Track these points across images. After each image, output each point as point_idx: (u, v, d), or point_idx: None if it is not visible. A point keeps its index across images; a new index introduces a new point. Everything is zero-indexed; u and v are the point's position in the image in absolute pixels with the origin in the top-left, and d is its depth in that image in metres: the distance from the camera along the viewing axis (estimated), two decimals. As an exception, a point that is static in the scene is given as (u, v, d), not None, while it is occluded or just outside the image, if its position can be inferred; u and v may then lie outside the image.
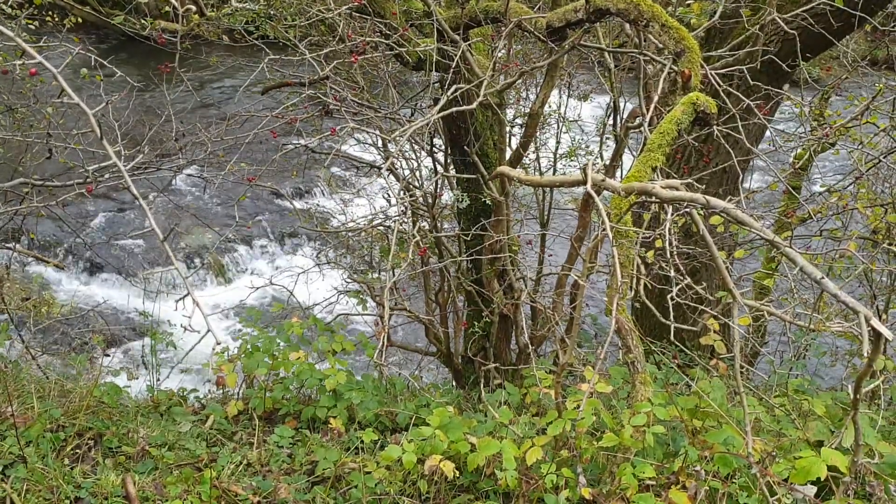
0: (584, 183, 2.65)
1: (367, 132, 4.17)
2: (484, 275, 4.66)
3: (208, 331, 1.94)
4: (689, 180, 3.24)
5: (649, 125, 3.21)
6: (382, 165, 5.25)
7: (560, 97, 5.78)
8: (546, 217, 6.20)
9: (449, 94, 3.47)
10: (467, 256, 4.27)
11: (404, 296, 6.95)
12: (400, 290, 6.09)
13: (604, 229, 2.89)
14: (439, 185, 4.40)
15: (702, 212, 2.88)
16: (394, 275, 3.91)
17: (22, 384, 3.63)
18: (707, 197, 2.43)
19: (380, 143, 6.57)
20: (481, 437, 3.05)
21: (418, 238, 3.50)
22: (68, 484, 2.90)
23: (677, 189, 2.56)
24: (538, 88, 4.58)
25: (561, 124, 6.01)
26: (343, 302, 8.81)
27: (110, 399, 3.55)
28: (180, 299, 2.23)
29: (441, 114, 3.28)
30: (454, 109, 3.30)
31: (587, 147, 6.66)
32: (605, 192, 2.62)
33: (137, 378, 4.87)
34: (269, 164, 4.65)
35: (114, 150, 6.28)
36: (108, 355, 8.85)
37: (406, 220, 4.21)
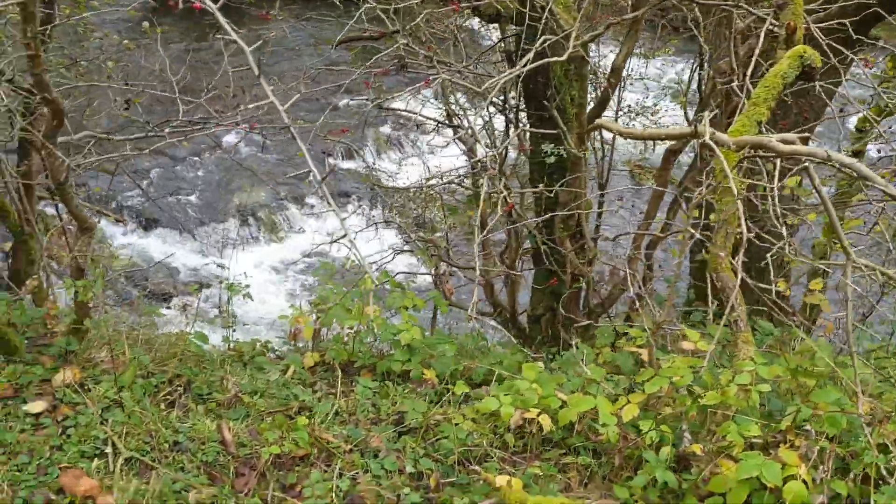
0: (694, 136, 2.57)
1: (463, 84, 4.11)
2: (557, 234, 4.61)
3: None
4: (806, 134, 3.13)
5: (749, 80, 3.11)
6: (462, 122, 5.20)
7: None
8: (606, 178, 6.11)
9: (538, 45, 3.40)
10: (543, 218, 4.22)
11: (458, 255, 6.95)
12: (453, 249, 6.07)
13: (710, 185, 2.82)
14: (510, 142, 4.34)
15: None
16: (481, 233, 3.85)
17: (107, 333, 3.69)
18: (829, 151, 2.35)
19: (441, 99, 6.51)
20: (571, 394, 3.04)
21: (505, 194, 3.45)
22: (166, 428, 2.96)
23: (794, 143, 2.47)
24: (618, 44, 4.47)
25: (626, 81, 5.87)
26: (398, 262, 8.83)
27: (196, 348, 3.60)
28: (336, 240, 2.21)
29: (534, 64, 3.20)
30: (545, 61, 3.23)
31: (654, 105, 6.51)
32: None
33: (215, 326, 4.93)
34: (365, 112, 4.60)
35: (181, 106, 6.23)
36: (170, 307, 9.01)
37: (486, 176, 4.16)
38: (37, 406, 3.06)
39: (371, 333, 4.24)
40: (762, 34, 3.11)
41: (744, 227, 2.60)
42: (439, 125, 6.15)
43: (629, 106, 6.02)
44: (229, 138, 12.80)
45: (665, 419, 2.74)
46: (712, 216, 4.13)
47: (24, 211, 5.20)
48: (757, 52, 3.11)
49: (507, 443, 3.05)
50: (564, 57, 3.24)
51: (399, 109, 6.15)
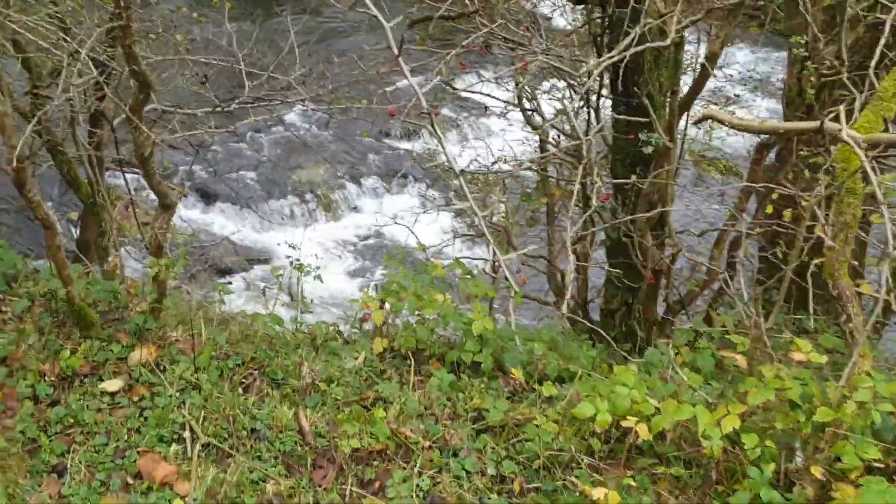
0: (820, 131, 2.37)
1: (560, 67, 3.93)
2: (637, 226, 4.42)
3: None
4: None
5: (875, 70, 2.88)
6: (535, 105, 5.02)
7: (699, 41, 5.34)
8: (675, 170, 5.85)
9: (639, 28, 3.21)
10: (629, 217, 4.04)
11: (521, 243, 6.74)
12: (513, 237, 5.88)
13: (829, 184, 2.62)
14: (598, 130, 4.15)
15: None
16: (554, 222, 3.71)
17: (182, 311, 3.64)
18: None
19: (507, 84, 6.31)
20: (662, 400, 2.88)
21: (600, 185, 3.29)
22: (244, 414, 2.89)
23: (935, 143, 2.26)
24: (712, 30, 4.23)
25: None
26: (458, 247, 8.69)
27: (271, 330, 3.53)
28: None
29: (634, 49, 3.02)
30: (649, 45, 3.04)
31: (736, 96, 6.23)
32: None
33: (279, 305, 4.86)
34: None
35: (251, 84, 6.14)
36: (230, 282, 9.04)
37: (581, 165, 3.99)
38: (113, 385, 3.02)
39: (442, 322, 4.12)
40: (889, 23, 2.88)
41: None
42: (510, 108, 5.95)
43: (711, 93, 5.76)
44: (290, 116, 12.79)
45: (769, 433, 2.56)
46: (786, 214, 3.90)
47: (95, 182, 5.20)
48: (882, 41, 2.88)
49: (592, 447, 2.91)
50: (668, 41, 3.05)
51: (471, 91, 5.98)
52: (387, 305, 4.33)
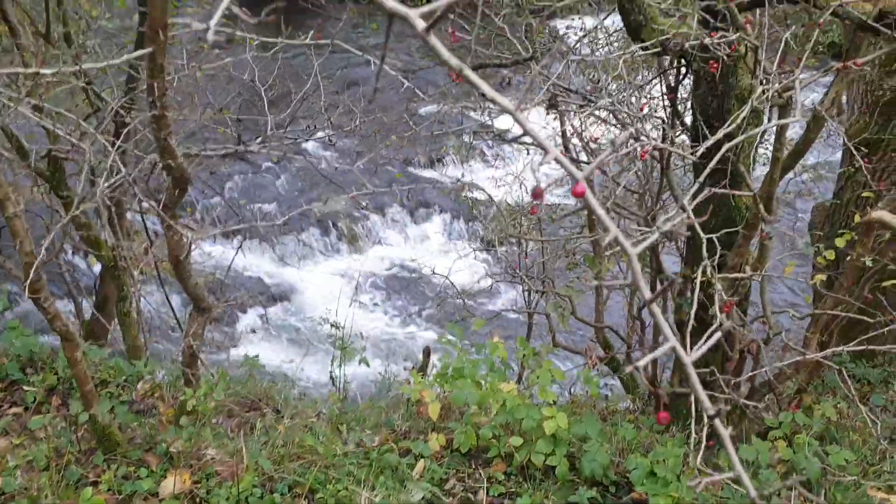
0: None
1: (657, 145, 3.47)
2: (722, 301, 3.93)
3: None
4: None
5: None
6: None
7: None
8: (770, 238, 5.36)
9: (753, 99, 2.73)
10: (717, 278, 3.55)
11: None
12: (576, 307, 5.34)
13: None
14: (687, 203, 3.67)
15: None
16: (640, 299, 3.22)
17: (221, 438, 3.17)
18: None
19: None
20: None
21: (715, 279, 2.80)
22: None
23: None
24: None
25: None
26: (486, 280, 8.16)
27: (324, 448, 3.05)
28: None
29: (741, 137, 2.55)
30: (772, 124, 2.56)
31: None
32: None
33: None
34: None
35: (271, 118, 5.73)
36: (254, 331, 8.60)
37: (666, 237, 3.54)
38: (144, 528, 2.56)
39: (509, 416, 3.65)
40: None
41: None
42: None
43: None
44: (311, 146, 12.42)
45: None
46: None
47: (116, 243, 4.77)
48: None
49: None
50: (795, 117, 2.57)
51: (516, 140, 5.54)
52: (439, 388, 3.89)
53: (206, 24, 0.80)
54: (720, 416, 0.73)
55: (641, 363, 0.75)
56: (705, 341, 1.50)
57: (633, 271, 0.66)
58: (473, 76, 0.67)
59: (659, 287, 4.59)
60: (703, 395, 0.71)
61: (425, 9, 0.67)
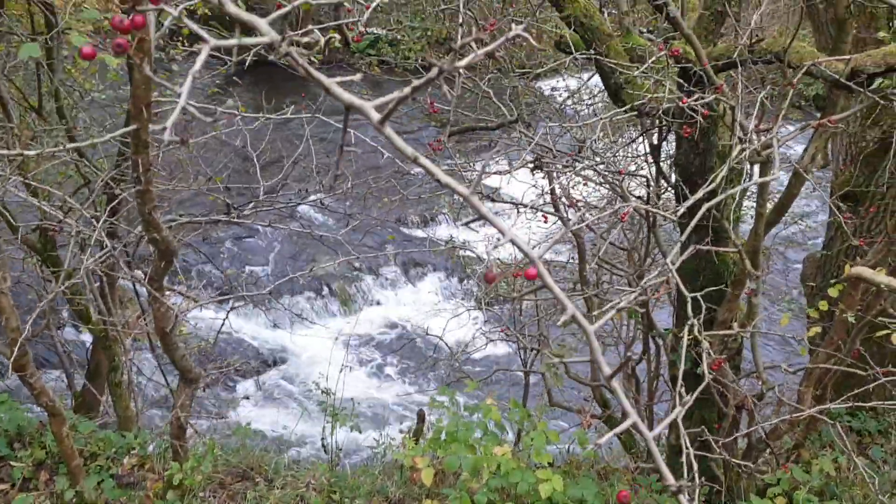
0: None
1: (644, 208, 3.50)
2: (711, 356, 3.92)
3: None
4: None
5: None
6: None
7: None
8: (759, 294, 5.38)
9: (734, 157, 2.78)
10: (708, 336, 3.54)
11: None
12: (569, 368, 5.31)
13: None
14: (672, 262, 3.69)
15: None
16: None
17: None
18: None
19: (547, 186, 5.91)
20: None
21: (708, 343, 2.80)
22: None
23: None
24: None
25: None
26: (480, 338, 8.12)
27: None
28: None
29: (724, 195, 2.59)
30: (754, 181, 2.60)
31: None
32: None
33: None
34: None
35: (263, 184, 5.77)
36: (248, 398, 8.51)
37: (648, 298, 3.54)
38: None
39: (504, 480, 3.60)
40: None
41: None
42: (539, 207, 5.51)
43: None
44: (303, 208, 12.49)
45: None
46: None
47: (107, 315, 4.76)
48: None
49: None
50: (775, 175, 2.61)
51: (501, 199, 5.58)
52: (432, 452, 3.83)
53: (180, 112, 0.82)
54: (683, 493, 0.72)
55: (602, 441, 0.75)
56: (684, 406, 1.50)
57: (592, 349, 0.66)
58: (428, 164, 0.69)
59: (651, 344, 4.58)
60: (665, 471, 0.71)
61: (379, 101, 0.69)
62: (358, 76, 0.72)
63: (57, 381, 7.99)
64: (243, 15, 0.68)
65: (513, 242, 0.69)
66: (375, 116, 0.65)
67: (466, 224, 5.65)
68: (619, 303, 2.58)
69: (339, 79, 0.72)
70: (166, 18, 0.88)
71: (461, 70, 0.67)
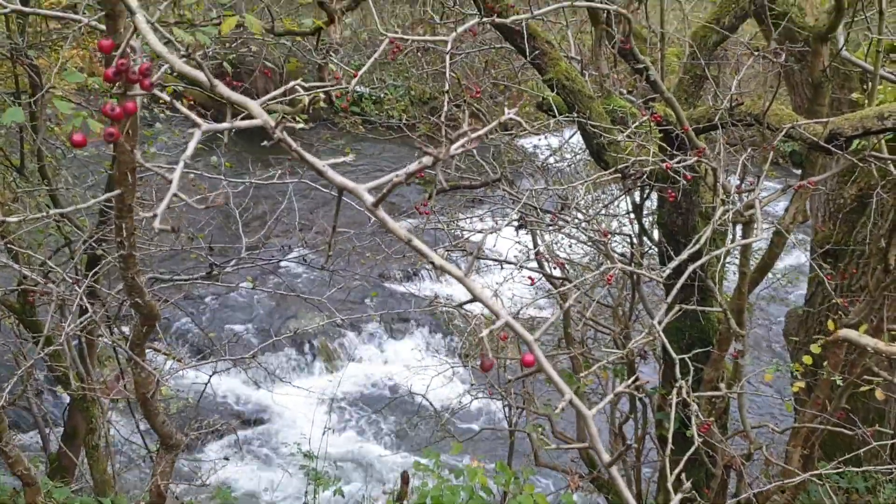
0: None
1: (625, 268, 3.51)
2: (698, 416, 3.89)
3: None
4: None
5: None
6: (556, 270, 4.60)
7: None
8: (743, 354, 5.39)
9: (718, 217, 2.80)
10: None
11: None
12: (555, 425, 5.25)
13: None
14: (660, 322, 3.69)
15: None
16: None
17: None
18: None
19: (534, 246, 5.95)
20: None
21: (692, 399, 2.78)
22: None
23: None
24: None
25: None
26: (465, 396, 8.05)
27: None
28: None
29: (709, 257, 2.60)
30: (738, 244, 2.62)
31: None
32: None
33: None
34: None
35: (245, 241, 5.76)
36: (228, 459, 8.34)
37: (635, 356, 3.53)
38: None
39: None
40: None
41: None
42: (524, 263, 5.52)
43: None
44: (285, 264, 12.45)
45: None
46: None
47: (85, 375, 4.66)
48: None
49: None
50: (759, 235, 2.63)
51: (487, 257, 5.60)
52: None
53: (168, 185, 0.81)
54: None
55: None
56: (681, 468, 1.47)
57: (590, 435, 0.65)
58: (422, 246, 0.68)
59: (638, 404, 4.55)
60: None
61: (373, 184, 0.68)
62: (350, 157, 0.71)
63: (31, 441, 7.79)
64: (234, 97, 0.67)
65: (510, 327, 0.68)
66: (369, 199, 0.65)
67: (460, 306, 5.63)
68: (604, 361, 2.56)
69: (331, 160, 0.72)
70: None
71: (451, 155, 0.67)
